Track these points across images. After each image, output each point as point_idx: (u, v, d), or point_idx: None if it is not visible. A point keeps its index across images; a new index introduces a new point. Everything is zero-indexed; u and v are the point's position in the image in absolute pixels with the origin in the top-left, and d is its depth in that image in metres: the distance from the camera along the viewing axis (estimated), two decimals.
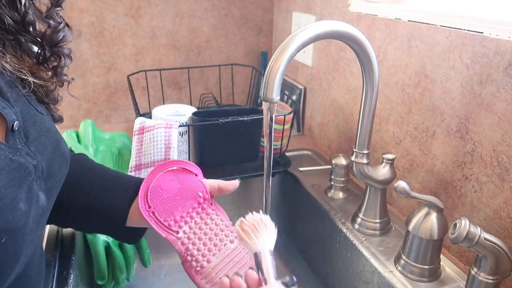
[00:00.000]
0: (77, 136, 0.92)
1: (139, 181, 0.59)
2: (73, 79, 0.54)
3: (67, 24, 0.48)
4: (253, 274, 0.44)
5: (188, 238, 0.53)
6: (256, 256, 0.44)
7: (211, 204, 0.56)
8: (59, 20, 0.47)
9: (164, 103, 1.09)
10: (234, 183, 0.57)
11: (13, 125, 0.40)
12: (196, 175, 0.58)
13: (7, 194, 0.36)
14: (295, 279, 0.43)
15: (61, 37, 0.47)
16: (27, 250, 0.41)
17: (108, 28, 1.13)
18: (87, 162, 0.64)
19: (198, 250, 0.52)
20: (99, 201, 0.57)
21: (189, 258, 0.52)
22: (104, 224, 0.58)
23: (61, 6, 0.46)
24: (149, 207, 0.54)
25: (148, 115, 0.99)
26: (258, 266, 0.44)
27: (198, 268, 0.51)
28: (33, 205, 0.40)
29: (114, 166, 0.91)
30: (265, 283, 0.42)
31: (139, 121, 0.84)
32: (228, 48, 1.27)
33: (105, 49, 1.15)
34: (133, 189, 0.57)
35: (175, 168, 0.58)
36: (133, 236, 0.60)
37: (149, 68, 1.19)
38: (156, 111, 0.92)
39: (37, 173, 0.42)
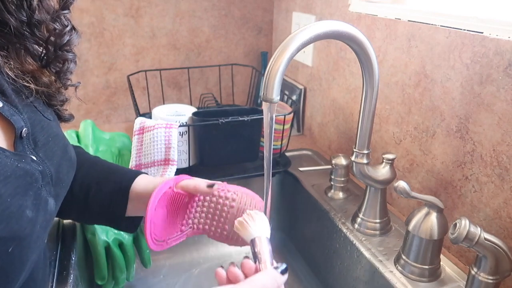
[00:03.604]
0: (77, 136, 0.92)
1: (133, 172, 0.60)
2: (79, 83, 0.54)
3: (73, 27, 0.48)
4: (249, 262, 0.44)
5: (199, 223, 0.57)
6: (253, 244, 0.45)
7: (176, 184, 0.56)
8: (65, 23, 0.46)
9: (164, 103, 1.09)
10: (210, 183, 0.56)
11: (21, 132, 0.40)
12: (170, 187, 0.56)
13: (13, 202, 0.36)
14: (286, 265, 0.43)
15: (66, 40, 0.47)
16: (34, 256, 0.41)
17: (108, 28, 1.13)
18: (83, 156, 0.64)
19: (212, 226, 0.56)
20: (98, 196, 0.58)
21: (211, 234, 0.57)
22: (104, 217, 0.60)
23: (69, 9, 0.46)
24: (156, 240, 0.54)
25: (148, 115, 0.98)
26: (255, 255, 0.44)
27: (225, 233, 0.56)
28: (41, 211, 0.40)
29: None
30: (262, 268, 0.43)
31: (139, 121, 0.84)
32: (228, 48, 1.27)
33: (105, 49, 1.15)
34: (129, 183, 0.58)
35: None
36: (132, 225, 0.61)
37: (149, 68, 1.20)
38: (156, 111, 0.92)
39: (46, 179, 0.42)
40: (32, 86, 0.44)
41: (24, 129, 0.41)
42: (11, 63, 0.42)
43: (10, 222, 0.35)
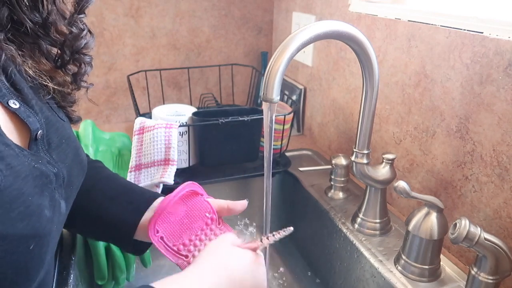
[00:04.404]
0: (77, 136, 0.92)
1: (150, 195, 0.58)
2: (92, 84, 0.54)
3: (89, 31, 0.49)
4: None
5: (194, 256, 0.52)
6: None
7: (218, 224, 0.55)
8: (81, 26, 0.47)
9: (164, 103, 1.09)
10: (243, 203, 0.56)
11: (36, 134, 0.40)
12: (201, 195, 0.57)
13: (33, 201, 0.36)
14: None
15: (83, 44, 0.47)
16: (49, 257, 0.41)
17: (108, 28, 1.13)
18: (101, 170, 0.63)
19: None
20: (109, 213, 0.57)
21: None
22: (112, 235, 0.58)
23: (84, 13, 0.47)
24: (157, 232, 0.53)
25: (148, 115, 0.98)
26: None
27: None
28: (56, 212, 0.40)
29: (114, 166, 0.91)
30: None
31: (139, 121, 0.84)
32: (228, 48, 1.27)
33: (105, 49, 1.15)
34: (144, 204, 0.57)
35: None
36: (139, 249, 0.60)
37: (149, 68, 1.20)
38: (156, 111, 0.92)
39: (59, 181, 0.42)
40: (50, 85, 0.45)
41: (40, 131, 0.41)
42: (29, 61, 0.43)
43: (32, 220, 0.36)
